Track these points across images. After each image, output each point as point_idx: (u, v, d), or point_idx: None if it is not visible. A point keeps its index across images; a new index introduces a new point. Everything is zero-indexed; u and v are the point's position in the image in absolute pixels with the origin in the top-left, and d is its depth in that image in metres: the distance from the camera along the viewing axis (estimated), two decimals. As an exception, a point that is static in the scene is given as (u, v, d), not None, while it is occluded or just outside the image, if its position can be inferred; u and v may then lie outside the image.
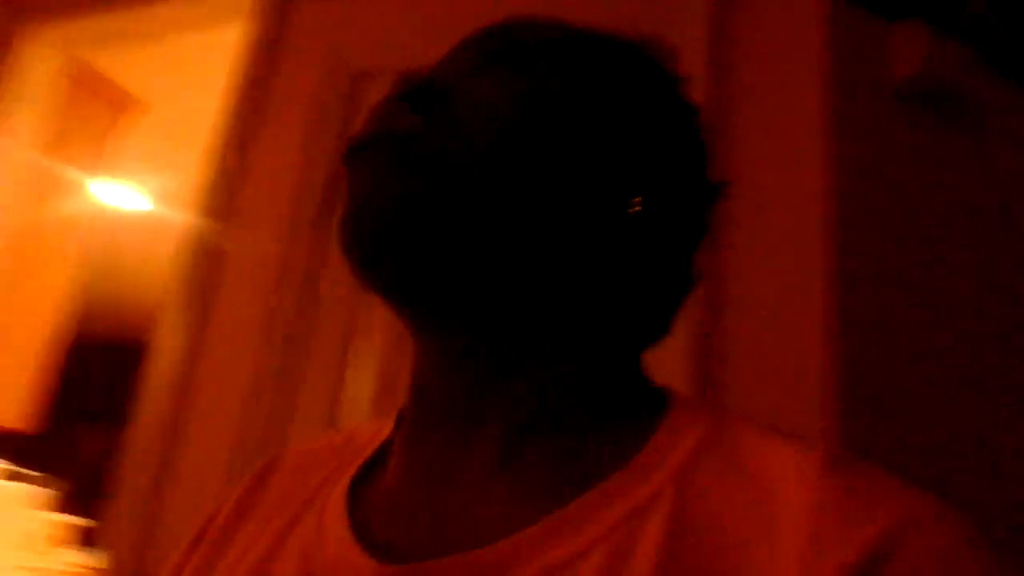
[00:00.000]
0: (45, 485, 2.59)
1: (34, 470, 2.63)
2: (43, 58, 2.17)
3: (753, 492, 0.35)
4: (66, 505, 3.02)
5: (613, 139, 0.44)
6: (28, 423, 2.25)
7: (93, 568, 2.13)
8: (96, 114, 2.57)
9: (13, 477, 2.44)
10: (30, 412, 2.26)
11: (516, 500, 0.39)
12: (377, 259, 0.41)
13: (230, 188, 1.53)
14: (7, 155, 2.08)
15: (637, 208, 0.42)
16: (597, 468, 0.38)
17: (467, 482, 0.41)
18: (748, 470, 0.37)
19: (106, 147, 2.62)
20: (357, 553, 0.39)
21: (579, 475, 0.38)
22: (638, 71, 0.47)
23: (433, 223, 0.39)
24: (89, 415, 4.59)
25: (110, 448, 1.51)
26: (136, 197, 3.54)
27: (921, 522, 0.33)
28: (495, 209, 0.40)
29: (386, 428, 0.49)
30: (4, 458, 2.51)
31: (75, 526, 2.98)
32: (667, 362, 0.48)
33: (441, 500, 0.41)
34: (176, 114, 2.70)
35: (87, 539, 2.74)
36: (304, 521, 0.44)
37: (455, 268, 0.40)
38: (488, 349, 0.42)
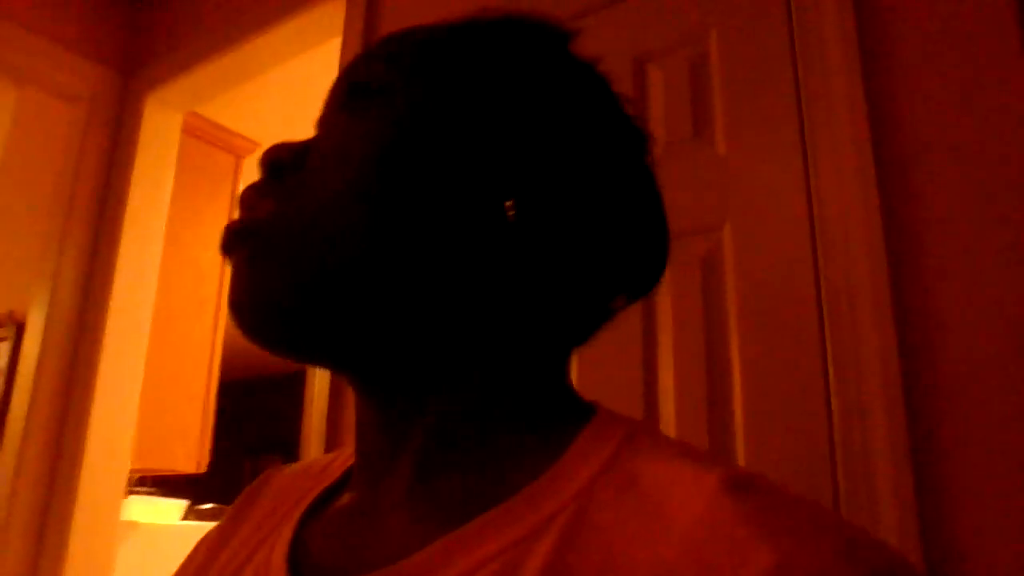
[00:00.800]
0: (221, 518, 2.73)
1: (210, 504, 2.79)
2: (167, 119, 2.29)
3: (646, 514, 0.34)
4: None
5: (469, 145, 0.42)
6: (199, 465, 2.38)
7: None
8: (219, 162, 2.69)
9: (189, 513, 2.60)
10: (199, 455, 2.39)
11: (426, 523, 0.39)
12: (259, 335, 0.42)
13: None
14: (146, 212, 2.19)
15: (512, 212, 0.40)
16: (505, 489, 0.38)
17: (385, 507, 0.42)
18: (645, 490, 0.36)
19: (234, 192, 2.74)
20: (284, 569, 0.42)
21: (487, 497, 0.38)
22: (491, 64, 0.44)
23: (296, 294, 0.40)
24: (247, 448, 4.84)
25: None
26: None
27: (808, 558, 0.30)
28: (352, 257, 0.40)
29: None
30: (185, 498, 2.66)
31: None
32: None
33: (364, 524, 0.43)
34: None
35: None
36: (267, 543, 0.46)
37: (324, 326, 0.41)
38: (383, 388, 0.43)
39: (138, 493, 2.54)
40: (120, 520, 2.08)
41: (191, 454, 2.38)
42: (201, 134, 2.60)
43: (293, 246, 0.40)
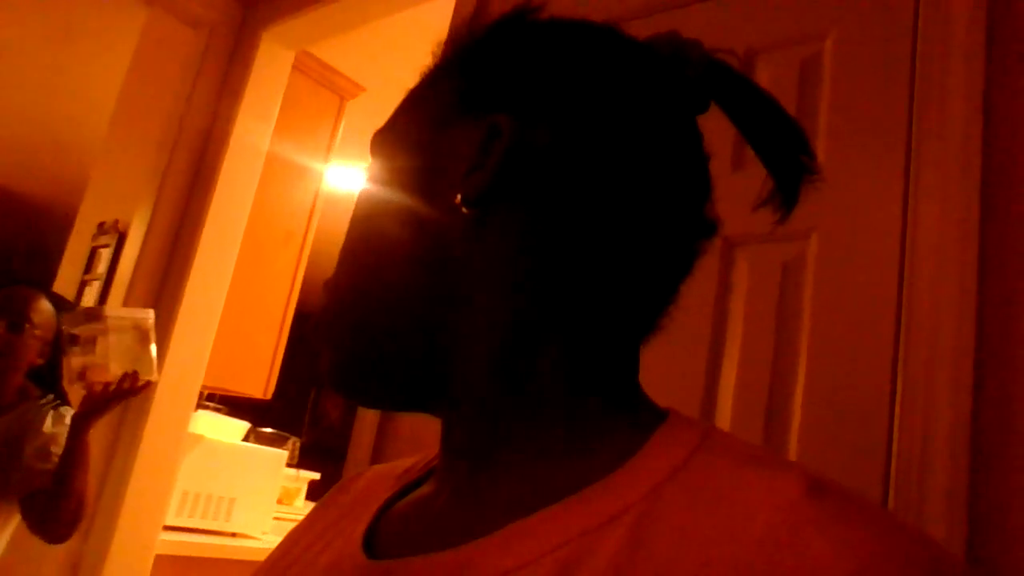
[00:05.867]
0: (279, 444, 2.84)
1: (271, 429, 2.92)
2: (279, 55, 2.35)
3: (721, 515, 0.34)
4: (300, 462, 3.43)
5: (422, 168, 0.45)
6: (266, 391, 2.48)
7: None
8: (324, 101, 2.75)
9: (251, 435, 2.71)
10: (267, 382, 2.49)
11: (493, 513, 0.40)
12: (344, 397, 0.49)
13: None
14: (249, 142, 2.27)
15: (466, 210, 0.41)
16: (572, 484, 0.38)
17: (451, 498, 0.44)
18: (720, 492, 0.35)
19: (335, 133, 2.79)
20: (358, 552, 0.44)
21: (552, 491, 0.38)
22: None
23: (341, 369, 0.47)
24: (313, 379, 5.02)
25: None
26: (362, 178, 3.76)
27: (883, 569, 0.30)
28: (364, 320, 0.45)
29: None
30: (248, 420, 2.78)
31: (309, 479, 3.49)
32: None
33: (432, 513, 0.45)
34: (394, 95, 2.82)
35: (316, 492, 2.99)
36: (344, 533, 0.49)
37: (369, 386, 0.47)
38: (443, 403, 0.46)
39: (206, 408, 2.66)
40: (187, 432, 2.19)
41: (260, 380, 2.47)
42: (309, 71, 2.66)
43: (331, 335, 0.47)
